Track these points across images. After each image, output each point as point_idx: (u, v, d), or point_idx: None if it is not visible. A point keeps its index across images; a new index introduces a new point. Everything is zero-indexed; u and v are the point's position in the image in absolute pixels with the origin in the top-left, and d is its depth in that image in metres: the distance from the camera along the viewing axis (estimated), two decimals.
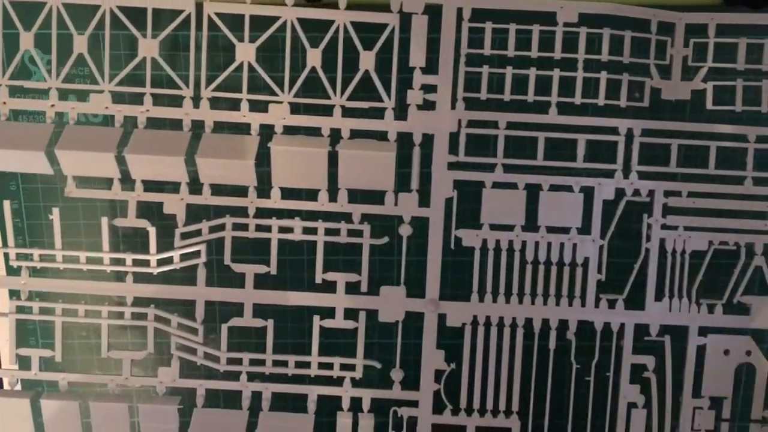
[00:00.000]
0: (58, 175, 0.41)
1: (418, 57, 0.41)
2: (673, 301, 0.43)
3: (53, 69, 0.41)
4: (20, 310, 0.43)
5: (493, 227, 0.43)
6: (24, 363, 0.44)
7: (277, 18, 0.41)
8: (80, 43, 0.41)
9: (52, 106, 0.41)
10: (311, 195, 0.42)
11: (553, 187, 0.42)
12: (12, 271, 0.43)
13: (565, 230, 0.43)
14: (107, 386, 0.44)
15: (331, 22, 0.41)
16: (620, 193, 0.42)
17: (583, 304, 0.43)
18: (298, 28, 0.41)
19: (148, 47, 0.41)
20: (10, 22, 0.41)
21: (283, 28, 0.41)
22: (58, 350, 0.43)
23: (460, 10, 0.41)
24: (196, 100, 0.41)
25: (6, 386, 0.44)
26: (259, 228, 0.42)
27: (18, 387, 0.44)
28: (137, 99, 0.41)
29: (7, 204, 0.42)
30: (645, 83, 0.42)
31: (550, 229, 0.43)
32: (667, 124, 0.42)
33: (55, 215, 0.42)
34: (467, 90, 0.42)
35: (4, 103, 0.41)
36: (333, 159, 0.41)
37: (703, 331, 0.43)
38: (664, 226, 0.43)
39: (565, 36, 0.41)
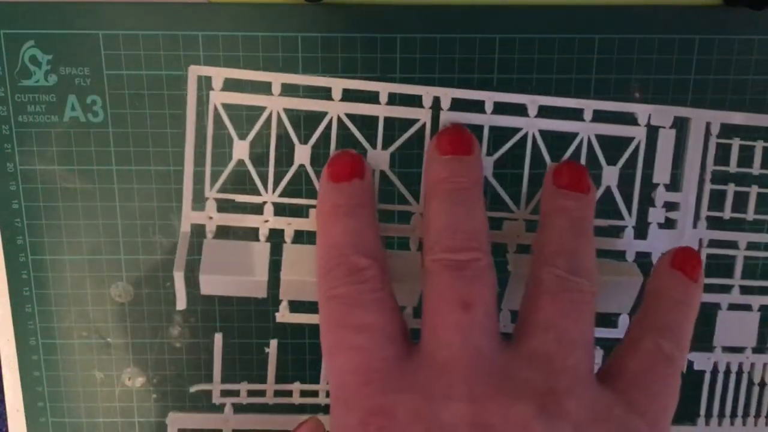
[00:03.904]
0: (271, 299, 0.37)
1: (662, 173, 0.38)
2: None
3: (269, 182, 0.36)
4: None
5: (725, 350, 0.41)
6: None
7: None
8: (303, 154, 0.36)
9: (266, 221, 0.36)
10: None
11: None
12: (212, 408, 0.38)
13: None
14: None
15: (575, 134, 0.38)
16: None
17: None
18: (538, 139, 0.37)
19: (377, 159, 0.37)
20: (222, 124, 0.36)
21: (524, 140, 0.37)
22: None
23: (708, 125, 0.38)
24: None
25: None
26: None
27: None
28: None
29: (218, 337, 0.37)
30: None
31: None
32: None
33: (272, 347, 0.37)
34: (711, 209, 0.39)
35: (211, 218, 0.36)
36: None
37: None
38: None
39: None
